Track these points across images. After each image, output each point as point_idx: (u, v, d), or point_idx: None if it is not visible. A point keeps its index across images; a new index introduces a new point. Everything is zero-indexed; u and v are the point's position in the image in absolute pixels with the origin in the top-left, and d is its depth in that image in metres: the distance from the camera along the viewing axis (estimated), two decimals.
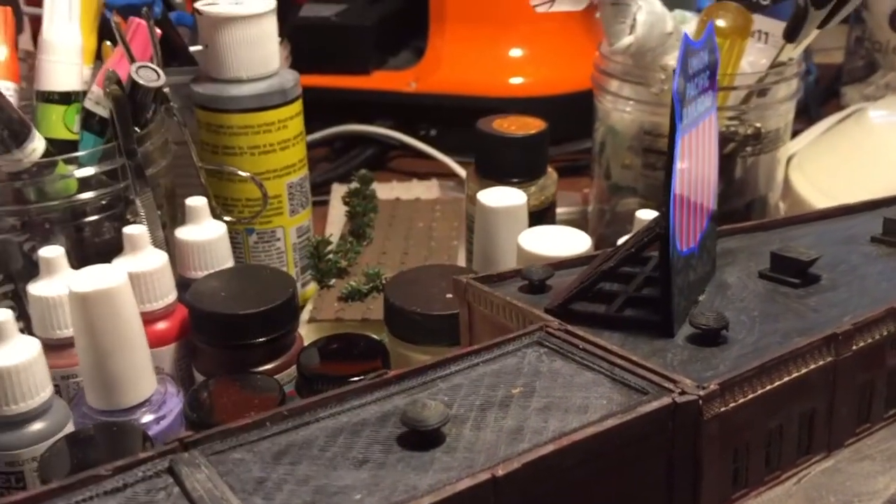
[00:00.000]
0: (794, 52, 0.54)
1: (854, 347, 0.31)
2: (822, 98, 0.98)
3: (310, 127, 0.80)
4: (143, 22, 0.48)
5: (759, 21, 0.58)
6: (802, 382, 0.30)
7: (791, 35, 0.52)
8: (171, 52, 0.56)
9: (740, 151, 0.58)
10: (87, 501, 0.24)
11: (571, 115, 0.72)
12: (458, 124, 0.86)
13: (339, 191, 0.73)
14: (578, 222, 0.70)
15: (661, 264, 0.32)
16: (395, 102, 0.85)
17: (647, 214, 0.45)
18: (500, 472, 0.24)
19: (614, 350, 0.30)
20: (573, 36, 0.84)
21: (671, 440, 0.27)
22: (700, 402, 0.27)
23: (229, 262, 0.49)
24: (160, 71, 0.46)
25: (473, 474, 0.24)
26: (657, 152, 0.59)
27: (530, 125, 0.52)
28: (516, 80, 0.84)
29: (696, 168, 0.34)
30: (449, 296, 0.43)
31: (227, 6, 0.51)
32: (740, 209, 0.61)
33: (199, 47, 0.55)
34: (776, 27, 0.56)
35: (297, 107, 0.54)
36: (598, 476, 0.26)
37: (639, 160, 0.60)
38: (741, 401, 0.29)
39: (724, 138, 0.58)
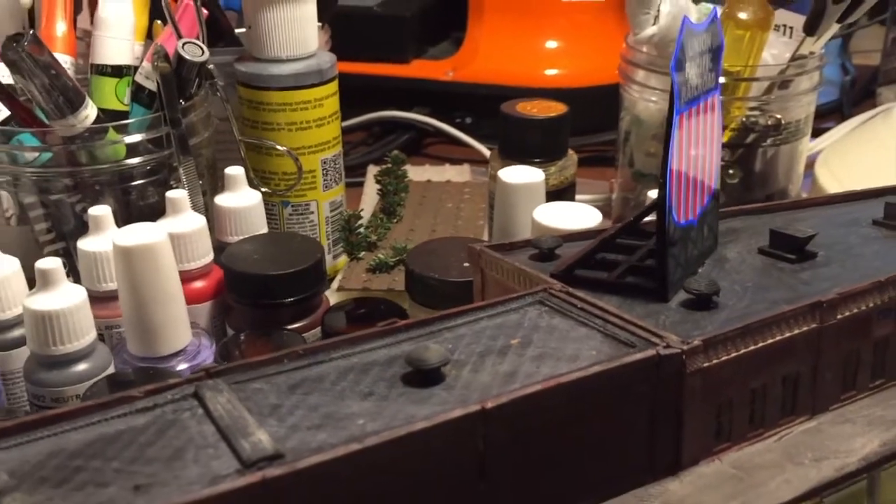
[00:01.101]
0: (814, 45, 0.56)
1: (839, 316, 0.33)
2: (858, 98, 0.98)
3: (350, 112, 0.83)
4: (191, 2, 0.51)
5: (784, 15, 0.60)
6: (786, 346, 0.32)
7: (810, 28, 0.53)
8: (218, 33, 0.60)
9: (761, 142, 0.59)
10: (121, 417, 0.27)
11: (603, 106, 0.73)
12: (493, 113, 0.88)
13: (373, 171, 0.76)
14: (604, 209, 0.72)
15: (658, 232, 0.34)
16: (432, 90, 0.87)
17: (655, 193, 0.47)
18: (490, 404, 0.26)
19: (609, 310, 0.33)
20: (606, 29, 0.86)
21: (654, 390, 0.30)
22: (683, 356, 0.30)
23: (263, 229, 0.52)
24: (205, 47, 0.49)
25: (465, 406, 0.26)
26: None
27: (552, 108, 0.54)
28: (551, 72, 0.86)
29: (696, 145, 0.36)
30: (465, 264, 0.45)
31: None
32: (761, 200, 0.63)
33: (244, 29, 0.58)
34: (800, 21, 0.58)
35: (333, 87, 0.57)
36: (581, 418, 0.28)
37: (662, 149, 0.62)
38: (724, 358, 0.31)
39: (745, 128, 0.59)
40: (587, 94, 0.83)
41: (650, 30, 0.55)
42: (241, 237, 0.50)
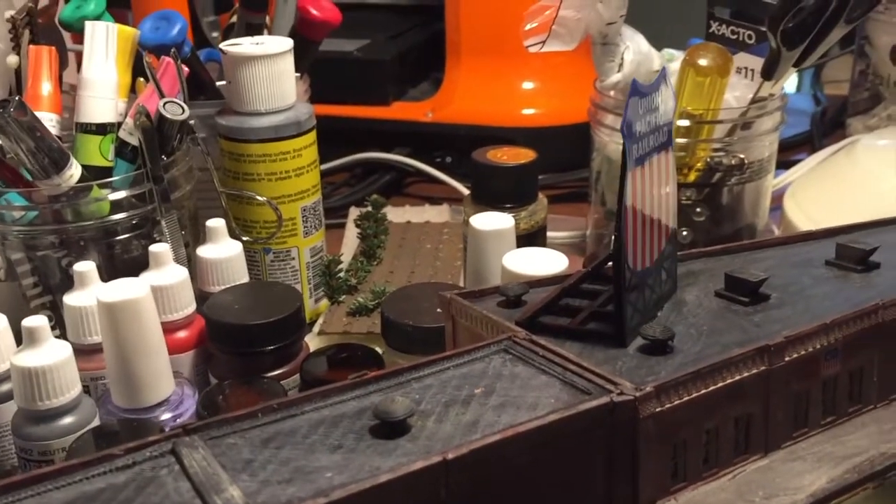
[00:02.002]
0: (772, 88, 0.58)
1: (787, 358, 0.35)
2: (829, 129, 1.01)
3: (331, 154, 0.85)
4: (172, 61, 0.53)
5: (746, 59, 0.62)
6: (736, 388, 0.34)
7: (767, 73, 0.56)
8: (199, 86, 0.62)
9: (726, 180, 0.62)
10: (102, 475, 0.29)
11: (578, 143, 0.75)
12: (473, 152, 0.90)
13: (354, 213, 0.78)
14: (579, 245, 0.74)
15: (615, 280, 0.36)
16: (412, 131, 0.90)
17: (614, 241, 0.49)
18: (451, 455, 0.28)
19: (569, 357, 0.34)
20: (581, 69, 0.88)
21: (610, 435, 0.31)
22: (636, 402, 0.31)
23: (244, 278, 0.53)
24: (185, 106, 0.51)
25: (428, 457, 0.28)
26: None
27: (521, 155, 0.56)
28: (528, 111, 0.88)
29: (652, 195, 0.38)
30: (439, 310, 0.47)
31: (249, 46, 0.56)
32: (729, 235, 0.65)
33: (222, 83, 0.60)
34: (760, 64, 0.60)
35: (311, 137, 0.59)
36: (540, 465, 0.30)
37: None
38: (676, 402, 0.32)
39: (710, 168, 0.61)
40: (563, 132, 0.86)
41: (614, 77, 0.57)
42: (223, 287, 0.52)
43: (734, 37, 0.63)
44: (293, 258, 0.60)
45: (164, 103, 0.50)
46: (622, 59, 0.57)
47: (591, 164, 0.67)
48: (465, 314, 0.41)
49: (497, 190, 0.55)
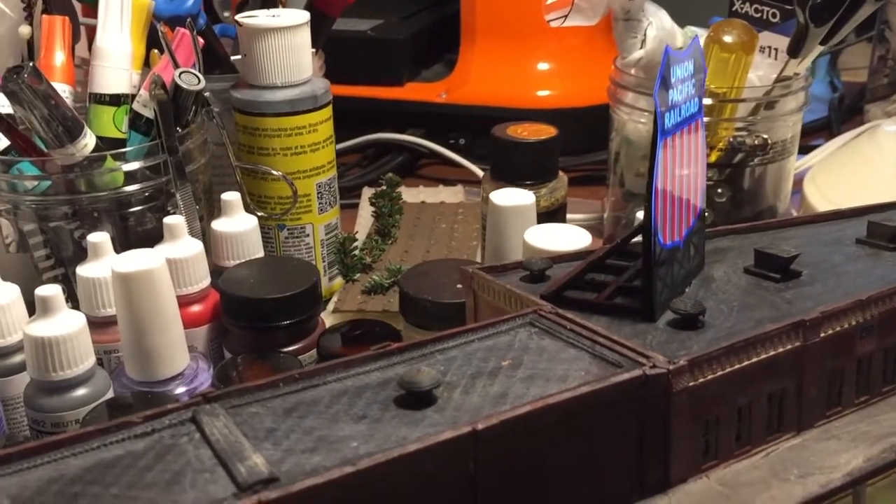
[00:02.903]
0: (798, 66, 0.57)
1: (822, 335, 0.34)
2: (846, 115, 0.99)
3: (344, 134, 0.84)
4: (187, 32, 0.52)
5: (769, 38, 0.61)
6: (770, 364, 0.33)
7: (794, 51, 0.55)
8: (214, 61, 0.61)
9: (748, 161, 0.60)
10: (120, 443, 0.28)
11: (594, 125, 0.75)
12: (487, 134, 0.89)
13: (368, 193, 0.77)
14: (596, 228, 0.73)
15: (644, 254, 0.35)
16: (426, 112, 0.89)
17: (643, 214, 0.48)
18: (480, 426, 0.27)
19: (598, 331, 0.33)
20: (597, 51, 0.87)
21: (642, 410, 0.30)
22: (669, 375, 0.30)
23: (259, 253, 0.52)
24: (201, 76, 0.50)
25: (457, 428, 0.27)
26: None
27: (542, 131, 0.55)
28: (542, 93, 0.87)
29: (681, 167, 0.37)
30: (458, 286, 0.46)
31: (265, 18, 0.55)
32: (750, 218, 0.64)
33: (239, 56, 0.59)
34: (784, 43, 0.59)
35: (327, 112, 0.58)
36: (570, 437, 0.29)
37: None
38: (710, 377, 0.31)
39: (733, 148, 0.60)
40: (578, 115, 0.85)
41: (637, 53, 0.56)
42: (238, 261, 0.51)
43: (758, 15, 0.62)
44: (308, 235, 0.59)
45: (180, 73, 0.49)
46: (645, 35, 0.56)
47: (610, 144, 0.66)
48: (488, 288, 0.40)
49: (517, 166, 0.54)
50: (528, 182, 0.54)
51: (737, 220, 0.62)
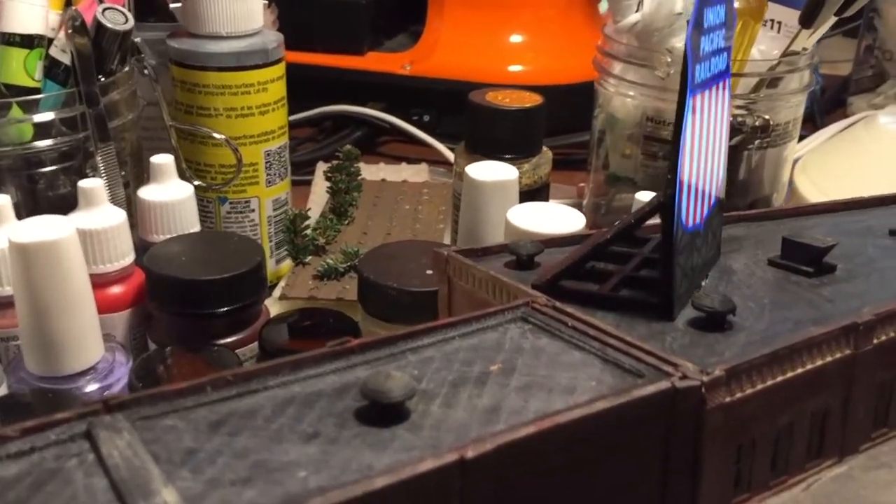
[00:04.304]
0: (808, 40, 0.51)
1: (875, 341, 0.28)
2: (829, 107, 0.95)
3: (298, 106, 0.77)
4: None
5: (772, 9, 0.55)
6: (817, 376, 0.27)
7: (807, 20, 0.49)
8: (150, 7, 0.53)
9: (748, 144, 0.55)
10: None
11: (569, 106, 0.69)
12: (453, 110, 0.83)
13: (322, 168, 0.69)
14: None
15: (664, 237, 0.29)
16: (388, 84, 0.82)
17: (646, 196, 0.42)
18: (470, 453, 0.21)
19: (607, 330, 0.27)
20: (574, 25, 0.81)
21: (668, 430, 0.24)
22: (703, 388, 0.24)
23: (195, 228, 0.45)
24: (129, 14, 0.42)
25: (438, 455, 0.20)
26: (660, 141, 0.55)
27: (525, 98, 0.49)
28: (514, 68, 0.81)
29: (704, 139, 0.31)
30: (429, 272, 0.39)
31: None
32: (743, 208, 0.58)
33: (178, 4, 0.51)
34: (789, 16, 0.54)
35: (280, 69, 0.51)
36: (582, 465, 0.23)
37: (639, 150, 0.57)
38: (749, 391, 0.25)
39: (732, 129, 0.54)
40: (553, 93, 0.78)
41: (632, 17, 0.50)
42: (169, 236, 0.43)
43: None
44: (252, 210, 0.52)
45: (104, 9, 0.41)
46: None
47: (593, 122, 0.60)
48: (467, 275, 0.33)
49: (498, 137, 0.48)
50: (509, 156, 0.47)
51: (729, 208, 0.56)
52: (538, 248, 0.34)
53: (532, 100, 0.49)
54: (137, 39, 0.45)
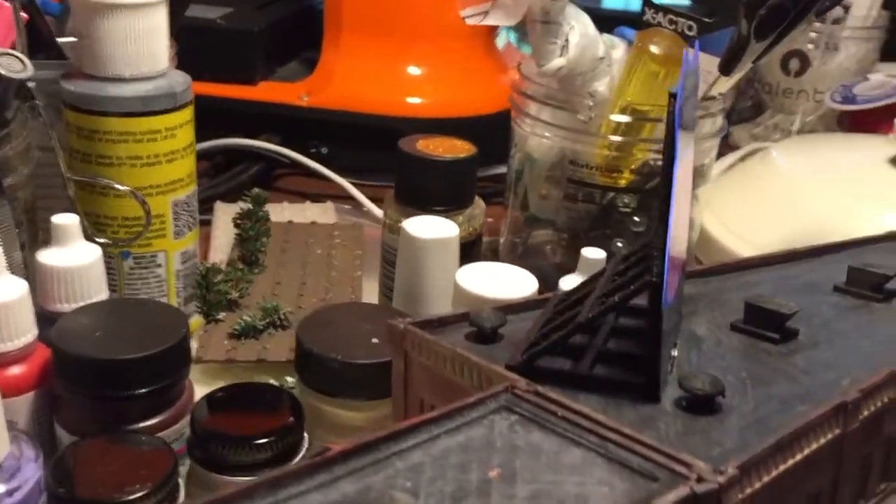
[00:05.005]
0: (725, 86, 0.52)
1: (860, 417, 0.28)
2: None
3: None
4: (7, 3, 0.40)
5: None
6: (813, 459, 0.26)
7: (727, 67, 0.49)
8: (37, 43, 0.48)
9: None
10: None
11: (469, 139, 0.67)
12: (351, 143, 0.80)
13: (223, 210, 0.65)
14: (486, 254, 0.65)
15: (652, 318, 0.28)
16: (282, 116, 0.78)
17: (593, 252, 0.41)
18: None
19: (601, 420, 0.25)
20: (475, 58, 0.80)
21: None
22: (720, 491, 0.23)
23: (103, 294, 0.41)
24: (26, 60, 0.38)
25: None
26: (580, 183, 0.55)
27: (458, 148, 0.47)
28: (414, 100, 0.79)
29: (682, 198, 0.30)
30: (374, 340, 0.37)
31: None
32: None
33: (69, 39, 0.47)
34: (709, 62, 0.54)
35: (188, 113, 0.47)
36: None
37: (557, 191, 0.57)
38: (758, 485, 0.24)
39: (648, 173, 0.55)
40: (453, 126, 0.76)
41: (557, 62, 0.49)
42: (75, 305, 0.39)
43: (672, 27, 0.56)
44: (159, 265, 0.48)
45: None
46: (566, 41, 0.49)
47: (510, 161, 0.59)
48: (427, 351, 0.31)
49: (431, 188, 0.45)
50: (442, 207, 0.45)
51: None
52: (501, 318, 0.32)
53: (465, 149, 0.47)
54: (31, 83, 0.40)
